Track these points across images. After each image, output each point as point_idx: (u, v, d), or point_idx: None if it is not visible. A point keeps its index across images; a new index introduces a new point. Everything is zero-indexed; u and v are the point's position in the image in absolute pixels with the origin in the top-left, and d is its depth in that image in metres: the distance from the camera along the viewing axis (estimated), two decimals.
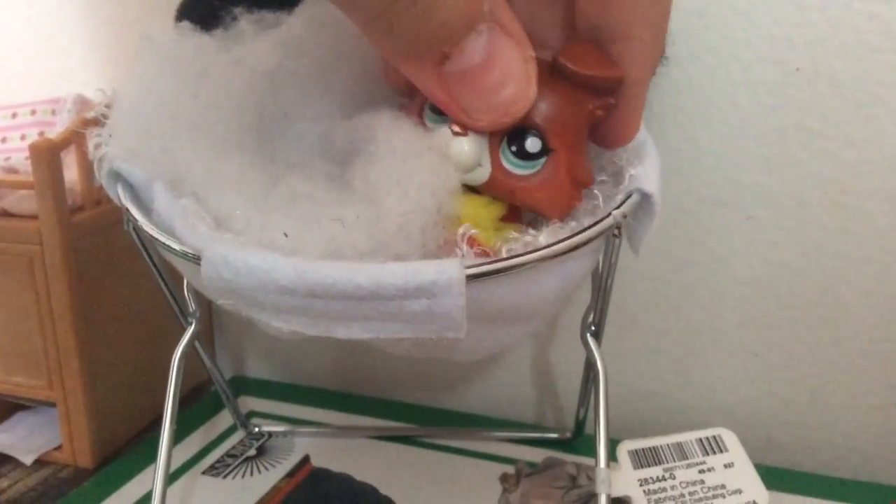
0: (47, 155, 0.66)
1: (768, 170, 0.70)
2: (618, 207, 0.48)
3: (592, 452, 0.75)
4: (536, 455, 0.74)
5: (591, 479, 0.70)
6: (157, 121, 0.52)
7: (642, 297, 0.77)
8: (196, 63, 0.54)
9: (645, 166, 0.51)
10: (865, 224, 0.69)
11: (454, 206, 0.45)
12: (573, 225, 0.47)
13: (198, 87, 0.53)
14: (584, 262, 0.49)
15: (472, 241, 0.45)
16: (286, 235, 0.44)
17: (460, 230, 0.45)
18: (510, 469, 0.72)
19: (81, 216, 0.71)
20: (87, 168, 0.70)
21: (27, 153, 0.67)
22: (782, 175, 0.70)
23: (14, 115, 0.78)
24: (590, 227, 0.46)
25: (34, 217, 0.69)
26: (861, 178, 0.68)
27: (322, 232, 0.45)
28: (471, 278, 0.41)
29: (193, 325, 0.61)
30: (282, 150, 0.56)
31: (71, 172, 0.71)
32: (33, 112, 0.80)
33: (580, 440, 0.76)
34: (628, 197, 0.49)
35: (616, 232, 0.48)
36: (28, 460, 0.75)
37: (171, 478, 0.67)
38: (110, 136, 0.53)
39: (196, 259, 0.44)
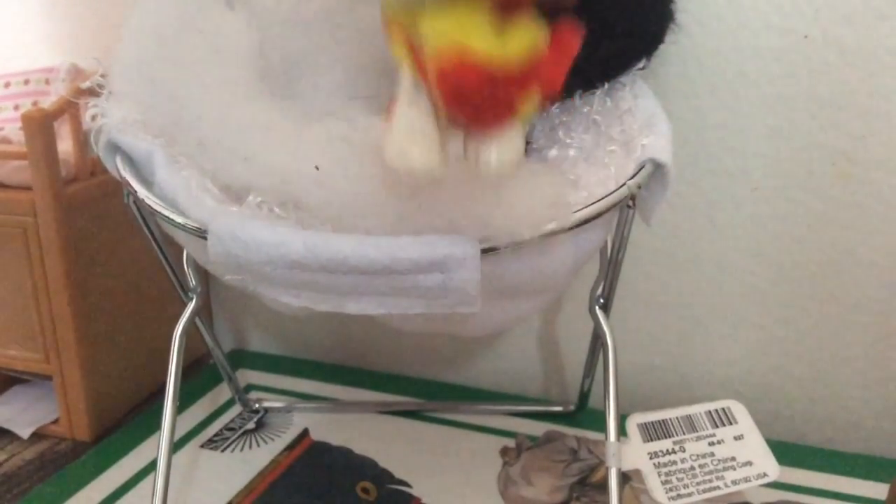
0: (41, 125, 0.65)
1: (775, 140, 0.69)
2: (632, 178, 0.47)
3: (595, 425, 0.76)
4: (539, 429, 0.74)
5: (592, 453, 0.70)
6: (161, 66, 0.50)
7: (645, 270, 0.76)
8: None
9: (657, 135, 0.50)
10: (873, 195, 0.68)
11: (426, 26, 0.36)
12: (585, 196, 0.47)
13: (200, 22, 0.52)
14: (597, 234, 0.48)
15: (460, 65, 0.35)
16: (317, 168, 0.44)
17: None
18: (511, 443, 0.72)
19: (76, 187, 0.70)
20: (81, 138, 0.69)
21: (20, 123, 0.65)
22: (789, 145, 0.69)
23: (7, 85, 0.77)
24: (603, 198, 0.45)
25: (28, 188, 0.68)
26: (869, 148, 0.67)
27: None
28: (485, 252, 0.41)
29: (194, 301, 0.60)
30: (296, 100, 0.55)
31: (65, 143, 0.69)
32: (27, 81, 0.78)
33: (583, 413, 0.75)
34: (641, 167, 0.48)
35: (630, 203, 0.47)
36: (25, 434, 0.74)
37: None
38: (110, 92, 0.52)
39: (202, 233, 0.43)
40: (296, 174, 0.44)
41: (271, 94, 0.54)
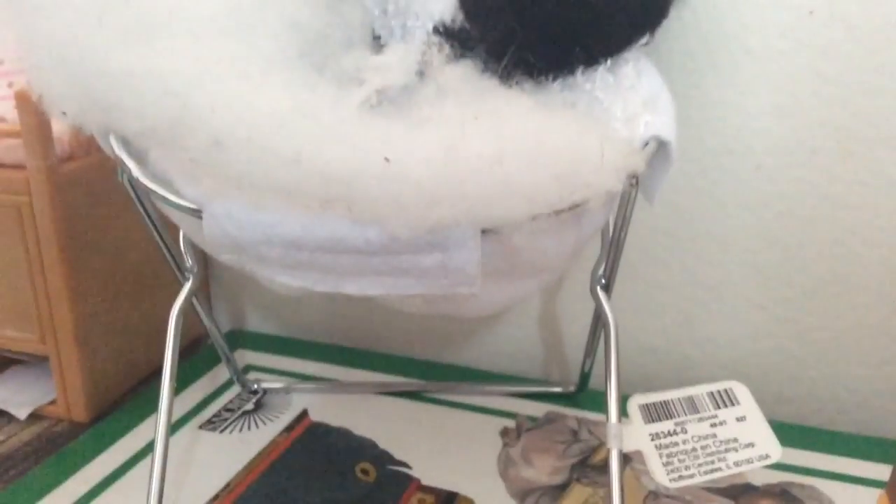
0: (35, 103, 0.64)
1: (779, 117, 0.68)
2: None
3: (596, 406, 0.76)
4: (539, 409, 0.73)
5: (593, 434, 0.70)
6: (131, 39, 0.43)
7: (646, 250, 0.76)
8: None
9: (660, 113, 0.50)
10: (877, 174, 0.67)
11: None
12: None
13: None
14: (599, 214, 0.47)
15: None
16: (388, 160, 0.38)
17: None
18: (511, 423, 0.72)
19: (71, 166, 0.69)
20: None
21: (14, 101, 0.64)
22: (793, 123, 0.68)
23: (1, 62, 0.76)
24: None
25: (22, 167, 0.67)
26: (873, 126, 0.66)
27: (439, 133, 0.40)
28: (485, 232, 0.40)
29: (190, 281, 0.60)
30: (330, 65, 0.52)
31: (59, 120, 0.69)
32: (21, 58, 0.77)
33: (584, 394, 0.75)
34: (644, 145, 0.47)
35: (633, 182, 0.46)
36: (22, 415, 0.74)
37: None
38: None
39: (197, 213, 0.42)
40: (360, 170, 0.39)
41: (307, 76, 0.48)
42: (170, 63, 0.41)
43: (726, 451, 0.54)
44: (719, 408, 0.56)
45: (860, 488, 0.64)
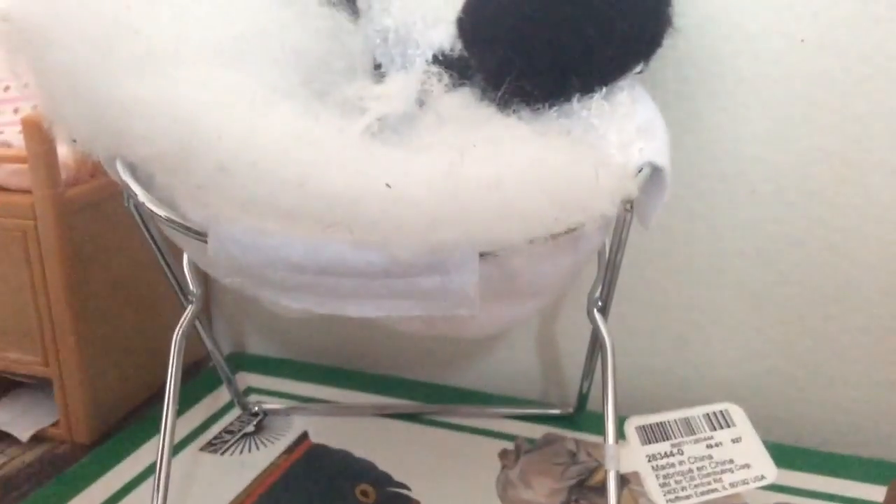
0: (41, 128, 0.65)
1: (772, 143, 0.70)
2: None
3: (594, 428, 0.76)
4: (538, 431, 0.74)
5: (591, 455, 0.70)
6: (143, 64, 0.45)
7: (643, 273, 0.76)
8: None
9: (655, 139, 0.51)
10: (869, 198, 0.68)
11: None
12: None
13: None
14: (595, 238, 0.48)
15: None
16: (388, 186, 0.39)
17: None
18: (510, 445, 0.72)
19: (76, 190, 0.70)
20: None
21: (20, 126, 0.65)
22: (786, 148, 0.69)
23: (6, 89, 0.77)
24: None
25: (28, 191, 0.68)
26: (865, 151, 0.67)
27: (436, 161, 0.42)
28: (484, 255, 0.41)
29: (193, 305, 0.60)
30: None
31: (65, 146, 0.69)
32: (27, 85, 0.78)
33: (582, 416, 0.76)
34: (639, 171, 0.48)
35: (628, 207, 0.47)
36: (25, 437, 0.74)
37: None
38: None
39: (202, 236, 0.43)
40: (362, 195, 0.39)
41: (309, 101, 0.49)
42: (178, 91, 0.43)
43: (722, 472, 0.55)
44: (715, 429, 0.57)
45: None
